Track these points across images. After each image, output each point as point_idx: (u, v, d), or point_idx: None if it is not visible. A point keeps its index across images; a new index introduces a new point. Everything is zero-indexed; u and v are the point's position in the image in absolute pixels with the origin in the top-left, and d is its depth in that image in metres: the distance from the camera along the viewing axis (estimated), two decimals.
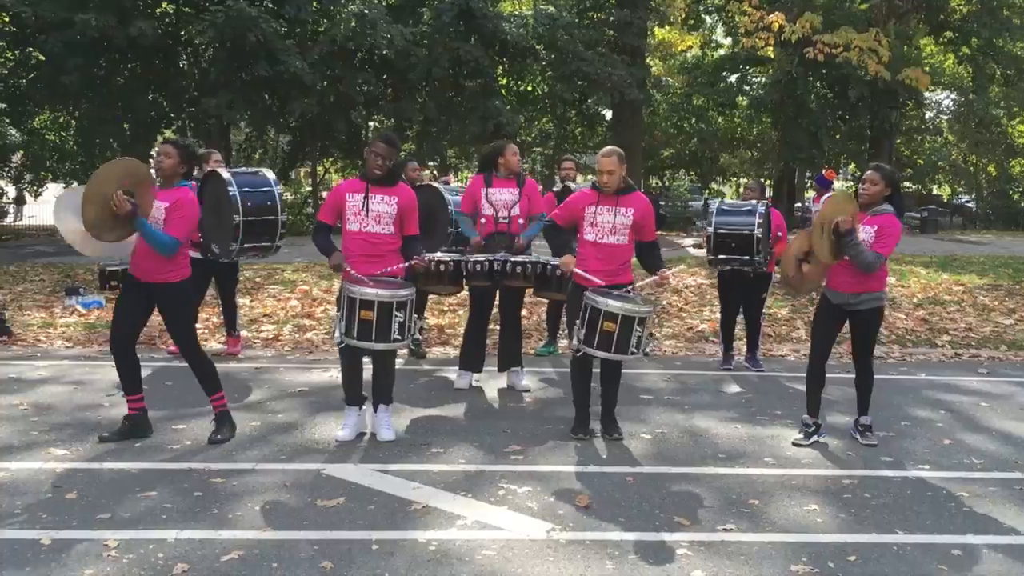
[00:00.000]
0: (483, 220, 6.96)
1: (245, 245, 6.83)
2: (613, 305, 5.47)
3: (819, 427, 5.96)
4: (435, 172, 21.03)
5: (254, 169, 7.57)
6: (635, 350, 5.55)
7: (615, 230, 5.73)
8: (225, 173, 6.99)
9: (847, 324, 5.91)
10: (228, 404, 5.86)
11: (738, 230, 7.59)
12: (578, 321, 5.59)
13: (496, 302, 7.18)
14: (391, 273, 5.64)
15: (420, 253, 5.77)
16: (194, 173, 6.14)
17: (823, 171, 12.61)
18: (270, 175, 7.24)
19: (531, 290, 7.17)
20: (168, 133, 26.20)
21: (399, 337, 5.53)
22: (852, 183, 35.32)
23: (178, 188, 5.52)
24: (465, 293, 7.49)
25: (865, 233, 5.56)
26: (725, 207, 7.94)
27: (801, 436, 5.94)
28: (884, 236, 5.57)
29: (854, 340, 5.94)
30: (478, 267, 6.72)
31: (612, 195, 5.75)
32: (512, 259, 6.74)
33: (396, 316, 5.46)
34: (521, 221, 7.00)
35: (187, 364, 5.76)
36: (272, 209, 7.01)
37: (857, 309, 5.75)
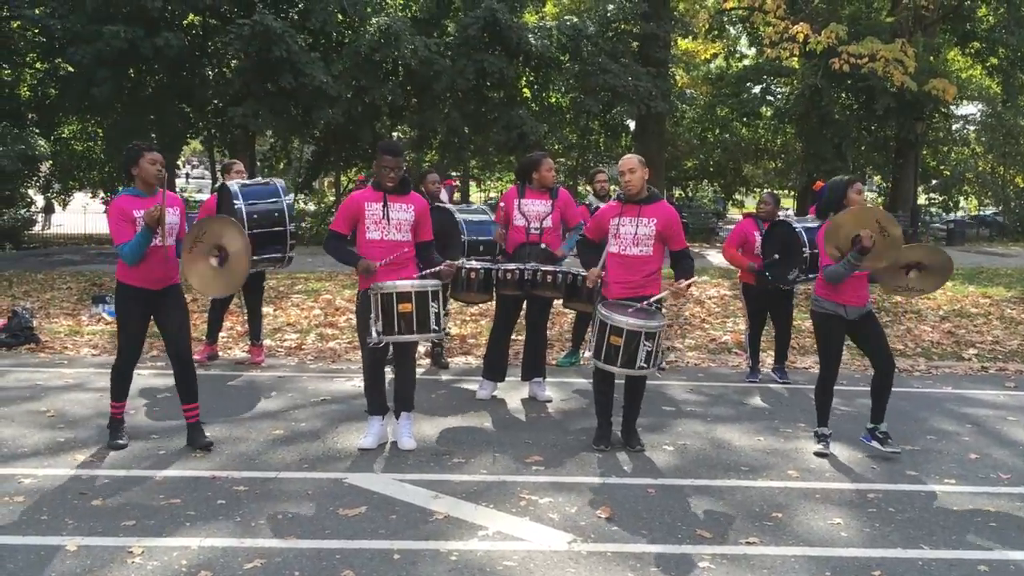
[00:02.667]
0: (518, 230, 6.98)
1: (254, 257, 6.85)
2: (618, 320, 5.46)
3: (830, 434, 5.99)
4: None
5: (266, 179, 7.63)
6: (644, 365, 5.49)
7: (637, 241, 5.72)
8: (234, 186, 7.06)
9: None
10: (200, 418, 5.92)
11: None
12: (589, 331, 5.61)
13: (523, 312, 7.19)
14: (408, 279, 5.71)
15: (437, 259, 5.82)
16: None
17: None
18: (280, 184, 7.28)
19: (558, 300, 7.18)
20: (194, 143, 26.47)
21: (436, 327, 5.61)
22: (878, 194, 35.13)
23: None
24: (488, 303, 7.51)
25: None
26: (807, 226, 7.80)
27: (821, 446, 5.91)
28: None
29: (875, 345, 5.84)
30: (508, 275, 6.73)
31: (635, 204, 5.75)
32: (542, 268, 6.74)
33: (432, 306, 5.54)
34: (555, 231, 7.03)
35: (182, 364, 5.79)
36: (280, 220, 7.05)
37: (864, 317, 5.77)
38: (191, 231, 5.60)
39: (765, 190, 13.24)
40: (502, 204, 7.12)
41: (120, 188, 5.74)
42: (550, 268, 6.76)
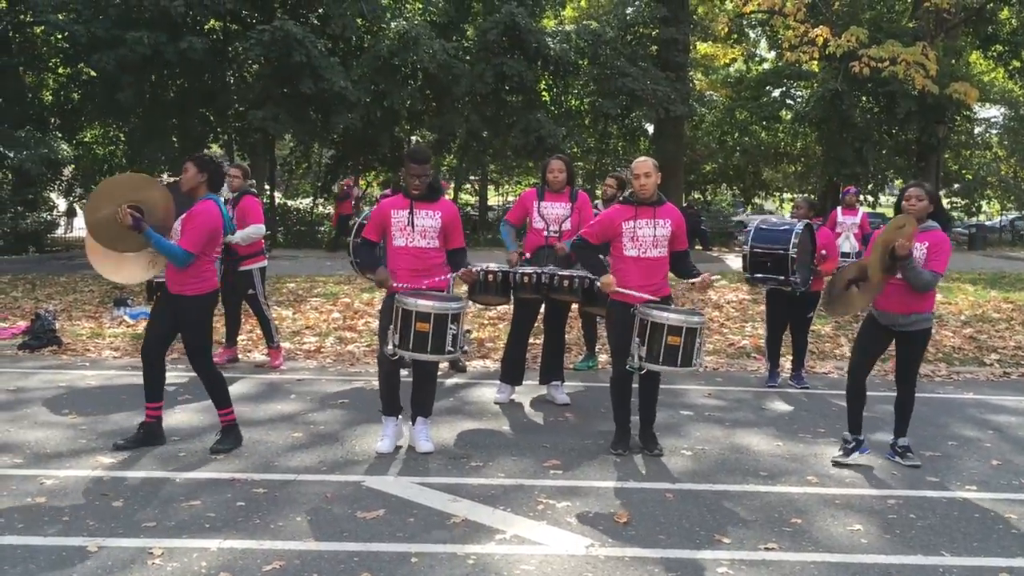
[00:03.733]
0: (538, 233, 6.98)
1: None
2: (675, 319, 5.48)
3: (860, 443, 5.85)
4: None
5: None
6: (696, 361, 5.58)
7: (657, 243, 5.72)
8: None
9: (892, 345, 5.82)
10: (236, 418, 5.95)
11: (772, 250, 7.52)
12: (637, 338, 5.56)
13: (541, 315, 7.19)
14: (434, 285, 5.70)
15: (467, 264, 5.84)
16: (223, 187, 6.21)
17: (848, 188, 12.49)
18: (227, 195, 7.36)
19: (576, 304, 7.17)
20: (215, 147, 26.68)
21: (452, 349, 5.62)
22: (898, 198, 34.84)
23: (201, 201, 5.63)
24: (505, 307, 7.51)
25: (917, 251, 5.48)
26: (764, 226, 7.87)
27: (840, 453, 5.86)
28: (936, 253, 5.48)
29: (899, 361, 5.81)
30: (526, 279, 6.73)
31: (649, 207, 5.74)
32: (560, 272, 6.74)
33: (450, 328, 5.54)
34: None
35: (198, 376, 5.82)
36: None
37: (906, 331, 5.64)
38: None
39: (798, 195, 13.19)
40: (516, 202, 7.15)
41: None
42: (568, 272, 6.75)
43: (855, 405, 5.84)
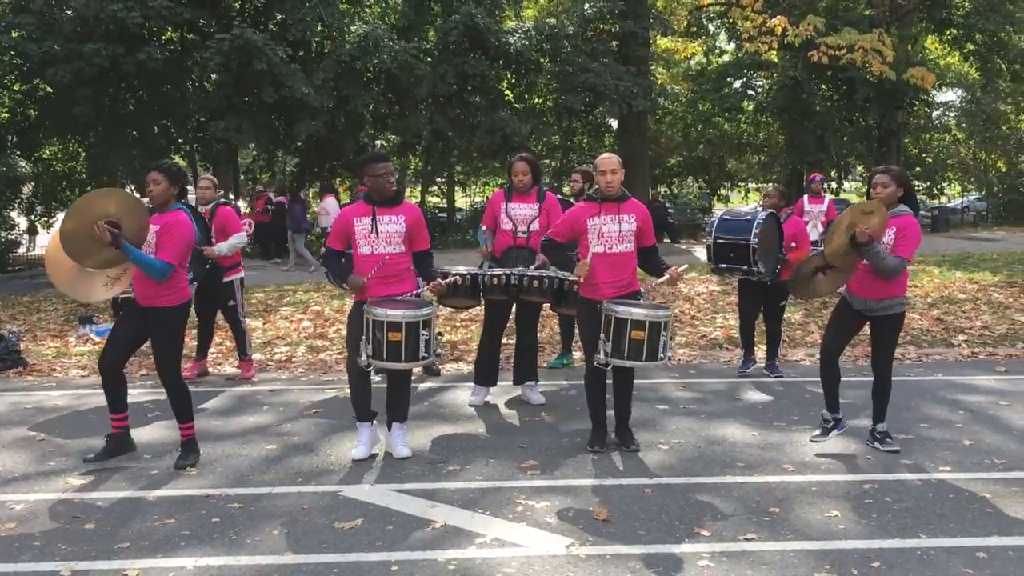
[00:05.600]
0: (506, 234, 6.98)
1: None
2: (638, 312, 5.48)
3: (839, 421, 5.89)
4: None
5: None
6: (663, 355, 5.58)
7: (622, 238, 5.72)
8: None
9: (865, 329, 5.86)
10: (196, 434, 5.88)
11: (735, 240, 7.57)
12: (603, 334, 5.56)
13: (512, 316, 7.17)
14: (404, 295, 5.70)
15: (434, 269, 5.82)
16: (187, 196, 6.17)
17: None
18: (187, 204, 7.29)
19: (547, 305, 7.16)
20: (176, 158, 26.35)
21: (426, 354, 5.60)
22: (861, 183, 35.22)
23: (171, 212, 5.56)
24: (477, 309, 7.49)
25: (885, 236, 5.51)
26: (727, 216, 7.92)
27: (819, 432, 5.92)
28: (904, 239, 5.50)
29: (875, 346, 5.82)
30: (495, 281, 6.71)
31: (613, 203, 5.74)
32: (529, 273, 6.72)
33: (423, 335, 5.52)
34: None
35: (165, 389, 5.73)
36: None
37: (879, 315, 5.67)
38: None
39: (765, 184, 13.29)
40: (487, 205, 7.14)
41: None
42: (537, 273, 6.74)
43: (831, 384, 5.88)
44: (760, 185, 32.66)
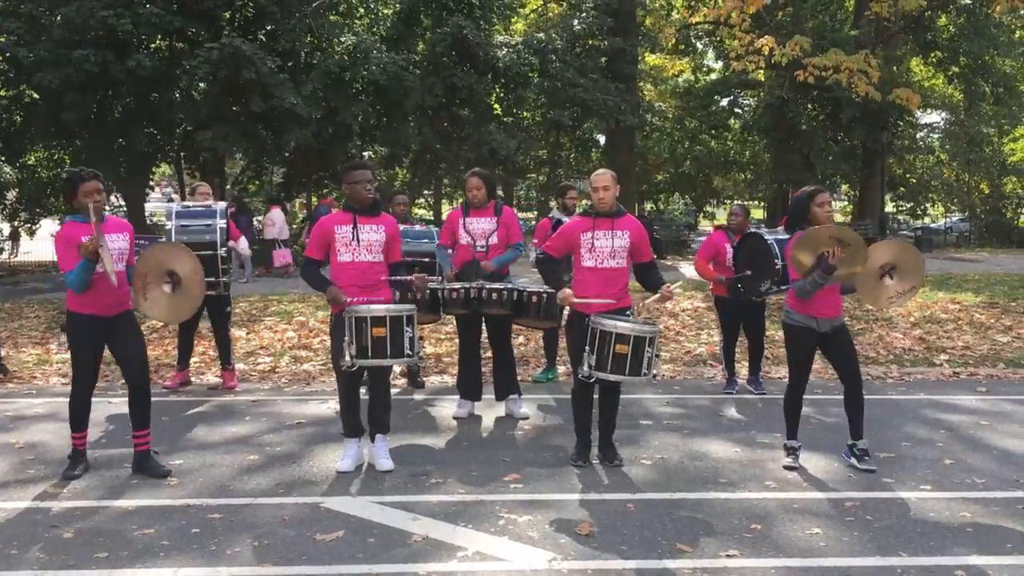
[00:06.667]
0: (463, 248, 7.02)
1: None
2: (623, 327, 5.49)
3: (798, 449, 6.00)
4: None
5: (206, 204, 7.60)
6: (646, 371, 5.57)
7: (614, 254, 5.74)
8: (174, 206, 7.02)
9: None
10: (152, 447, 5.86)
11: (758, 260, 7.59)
12: (587, 347, 5.57)
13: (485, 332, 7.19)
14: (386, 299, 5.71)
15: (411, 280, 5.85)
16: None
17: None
18: (221, 207, 7.22)
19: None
20: (163, 167, 26.23)
21: (410, 352, 5.60)
22: (847, 202, 35.48)
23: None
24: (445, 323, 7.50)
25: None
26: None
27: (791, 459, 5.93)
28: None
29: (844, 361, 5.86)
30: (454, 295, 6.72)
31: (607, 218, 5.77)
32: (488, 286, 6.74)
33: (406, 331, 5.53)
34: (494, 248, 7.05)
35: (135, 390, 5.73)
36: (209, 244, 6.97)
37: (836, 327, 5.77)
38: (137, 267, 5.52)
39: (735, 202, 13.39)
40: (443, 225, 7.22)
41: (65, 216, 5.70)
42: (497, 285, 6.75)
43: (794, 416, 5.99)
44: (745, 203, 32.83)
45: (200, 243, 7.03)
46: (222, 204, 7.32)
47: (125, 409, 5.78)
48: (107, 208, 5.74)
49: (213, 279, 7.08)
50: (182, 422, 7.05)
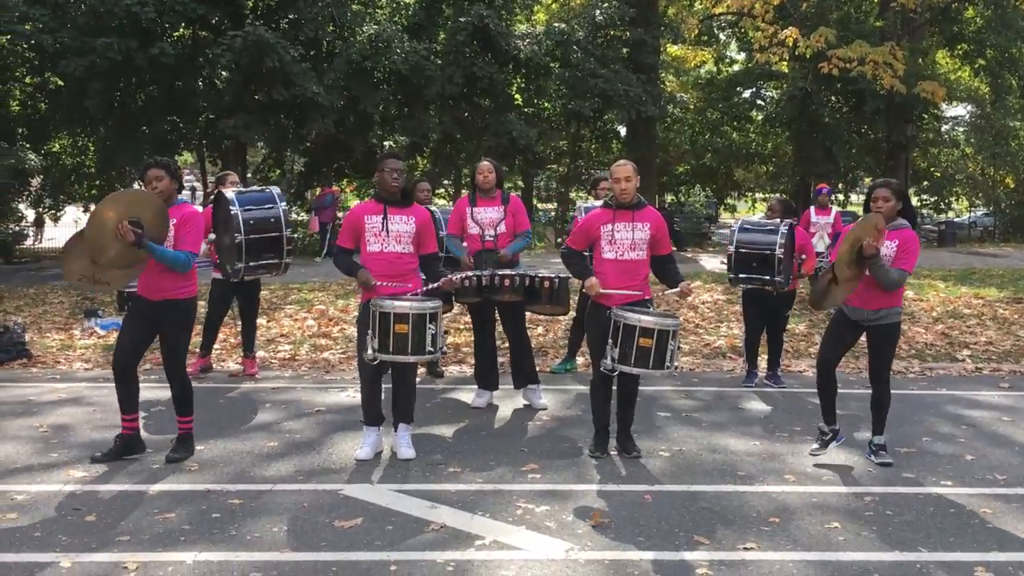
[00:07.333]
0: (473, 238, 7.01)
1: (251, 263, 6.84)
2: (648, 320, 5.48)
3: (836, 433, 5.89)
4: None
5: (260, 187, 7.63)
6: (669, 364, 5.57)
7: (634, 246, 5.73)
8: (229, 193, 7.04)
9: (862, 340, 5.86)
10: (193, 429, 5.90)
11: (759, 250, 7.54)
12: (611, 340, 5.56)
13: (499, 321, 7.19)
14: (411, 291, 5.72)
15: (442, 272, 5.84)
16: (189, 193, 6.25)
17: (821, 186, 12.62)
18: (276, 191, 7.27)
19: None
20: (186, 155, 26.38)
21: (432, 349, 5.62)
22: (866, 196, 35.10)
23: (179, 205, 5.64)
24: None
25: (886, 249, 5.52)
26: (748, 225, 7.89)
27: (817, 445, 5.91)
28: (905, 252, 5.54)
29: (872, 358, 5.85)
30: (466, 283, 6.71)
31: (627, 211, 5.76)
32: (499, 273, 6.74)
33: (429, 328, 5.54)
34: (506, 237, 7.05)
35: (169, 381, 5.75)
36: (276, 226, 7.01)
37: (875, 325, 5.68)
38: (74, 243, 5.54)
39: (772, 195, 13.29)
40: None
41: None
42: (507, 272, 6.76)
43: (828, 396, 5.89)
44: (767, 196, 32.61)
45: (267, 225, 7.04)
46: (276, 189, 7.37)
47: (151, 395, 5.84)
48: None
49: (276, 260, 7.11)
50: (203, 408, 7.09)
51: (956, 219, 34.05)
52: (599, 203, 8.29)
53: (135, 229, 5.29)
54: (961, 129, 33.92)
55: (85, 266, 5.56)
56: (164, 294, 5.55)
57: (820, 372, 5.90)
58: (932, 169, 32.87)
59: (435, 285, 5.81)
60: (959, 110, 34.68)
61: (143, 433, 5.98)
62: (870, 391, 5.90)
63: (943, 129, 32.44)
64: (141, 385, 5.85)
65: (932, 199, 33.56)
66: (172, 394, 5.77)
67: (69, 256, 5.67)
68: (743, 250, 7.61)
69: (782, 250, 7.40)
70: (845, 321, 5.79)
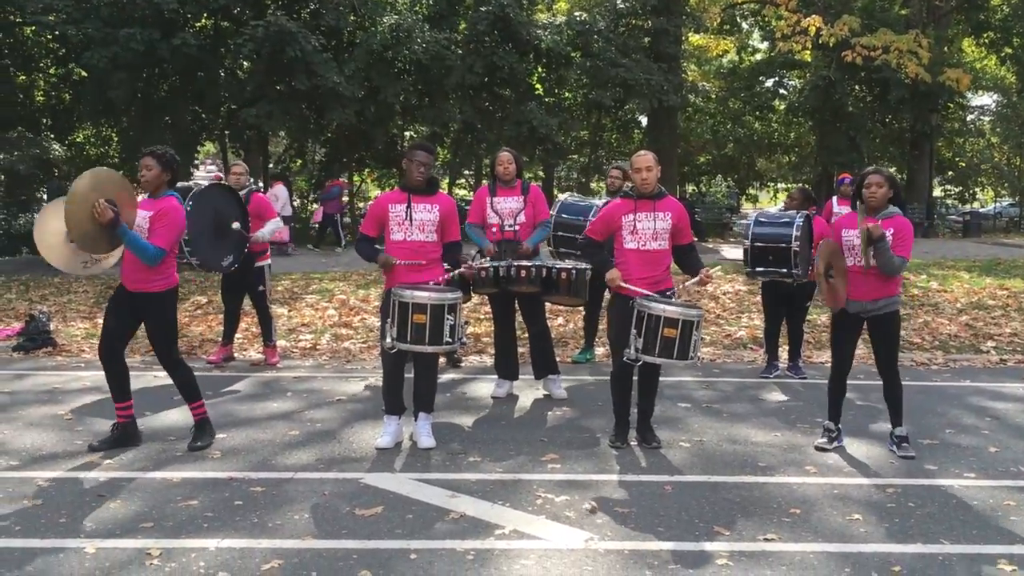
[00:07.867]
0: (493, 229, 7.01)
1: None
2: (672, 311, 5.47)
3: (839, 432, 5.95)
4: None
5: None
6: (693, 354, 5.56)
7: (656, 236, 5.72)
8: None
9: (865, 332, 5.85)
10: (208, 412, 5.94)
11: (775, 243, 7.48)
12: (634, 330, 5.55)
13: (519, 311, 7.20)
14: (436, 283, 5.74)
15: (463, 259, 5.87)
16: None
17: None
18: (280, 191, 7.43)
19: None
20: (208, 145, 26.51)
21: (450, 340, 5.64)
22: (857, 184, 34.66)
23: (163, 198, 5.58)
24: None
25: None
26: (763, 219, 7.82)
27: (824, 440, 5.90)
28: (902, 239, 5.54)
29: (877, 350, 5.82)
30: (483, 274, 6.72)
31: (648, 200, 5.74)
32: (516, 264, 6.73)
33: (448, 319, 5.56)
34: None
35: (166, 371, 5.80)
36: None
37: (876, 315, 5.67)
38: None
39: (780, 183, 13.19)
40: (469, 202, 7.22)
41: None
42: (524, 263, 6.74)
43: (836, 398, 5.92)
44: (789, 186, 32.37)
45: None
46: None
47: (167, 383, 5.88)
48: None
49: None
50: (225, 396, 7.17)
51: (981, 209, 33.69)
52: (578, 196, 8.35)
53: (112, 208, 5.30)
54: (986, 118, 33.55)
55: (69, 255, 5.63)
56: (138, 286, 5.55)
57: (835, 377, 5.92)
58: (957, 159, 32.54)
59: (456, 272, 5.83)
60: (985, 99, 34.33)
61: (164, 420, 6.02)
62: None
63: (968, 119, 32.09)
64: (163, 373, 5.89)
65: (957, 189, 33.25)
66: (175, 384, 5.81)
67: (49, 248, 5.72)
68: (759, 244, 7.53)
69: (798, 243, 7.33)
70: (846, 319, 5.76)
